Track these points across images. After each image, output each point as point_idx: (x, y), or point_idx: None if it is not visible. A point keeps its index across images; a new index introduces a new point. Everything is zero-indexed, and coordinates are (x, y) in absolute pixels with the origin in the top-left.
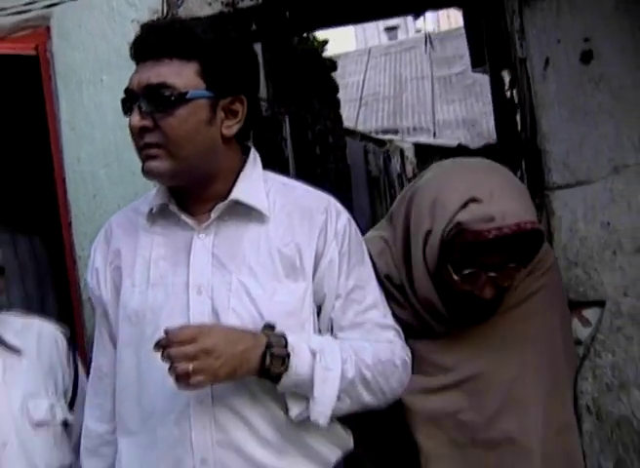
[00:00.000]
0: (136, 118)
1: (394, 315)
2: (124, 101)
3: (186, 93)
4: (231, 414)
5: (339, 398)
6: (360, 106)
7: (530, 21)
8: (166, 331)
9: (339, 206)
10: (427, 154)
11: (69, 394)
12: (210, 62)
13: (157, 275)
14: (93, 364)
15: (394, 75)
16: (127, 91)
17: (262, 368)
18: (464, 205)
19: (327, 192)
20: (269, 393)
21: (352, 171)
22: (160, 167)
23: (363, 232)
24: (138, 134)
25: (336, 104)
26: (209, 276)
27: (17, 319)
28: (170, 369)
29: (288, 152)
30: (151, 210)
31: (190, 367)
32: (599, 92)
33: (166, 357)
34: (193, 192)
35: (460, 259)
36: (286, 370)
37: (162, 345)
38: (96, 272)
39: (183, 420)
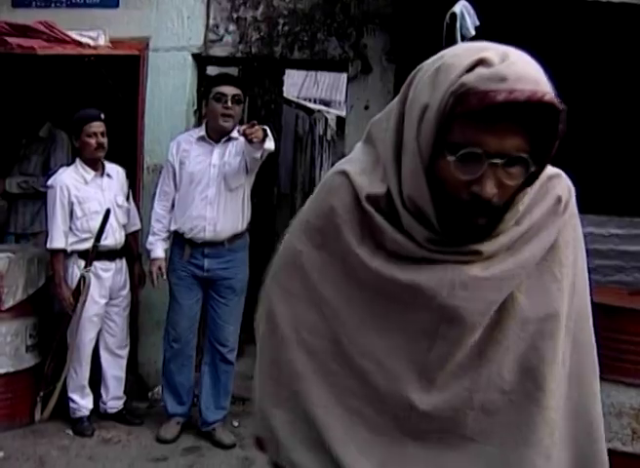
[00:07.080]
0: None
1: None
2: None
3: None
4: None
5: None
6: (306, 76)
7: (351, 88)
8: None
9: None
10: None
11: (126, 193)
12: None
13: (197, 160)
14: (160, 189)
15: None
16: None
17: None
18: (472, 68)
19: None
20: None
21: (283, 129)
22: (230, 126)
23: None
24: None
25: (281, 83)
26: (221, 161)
27: (110, 165)
28: None
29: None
30: (199, 137)
31: None
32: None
33: None
34: (218, 134)
35: (458, 142)
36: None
37: None
38: (172, 156)
39: None
